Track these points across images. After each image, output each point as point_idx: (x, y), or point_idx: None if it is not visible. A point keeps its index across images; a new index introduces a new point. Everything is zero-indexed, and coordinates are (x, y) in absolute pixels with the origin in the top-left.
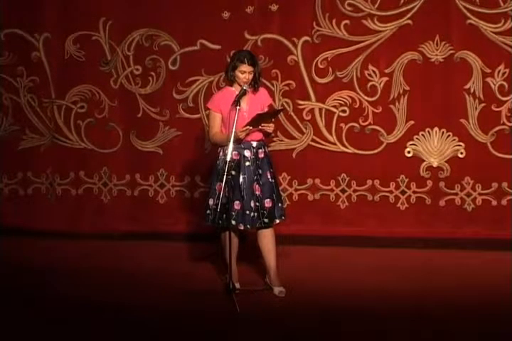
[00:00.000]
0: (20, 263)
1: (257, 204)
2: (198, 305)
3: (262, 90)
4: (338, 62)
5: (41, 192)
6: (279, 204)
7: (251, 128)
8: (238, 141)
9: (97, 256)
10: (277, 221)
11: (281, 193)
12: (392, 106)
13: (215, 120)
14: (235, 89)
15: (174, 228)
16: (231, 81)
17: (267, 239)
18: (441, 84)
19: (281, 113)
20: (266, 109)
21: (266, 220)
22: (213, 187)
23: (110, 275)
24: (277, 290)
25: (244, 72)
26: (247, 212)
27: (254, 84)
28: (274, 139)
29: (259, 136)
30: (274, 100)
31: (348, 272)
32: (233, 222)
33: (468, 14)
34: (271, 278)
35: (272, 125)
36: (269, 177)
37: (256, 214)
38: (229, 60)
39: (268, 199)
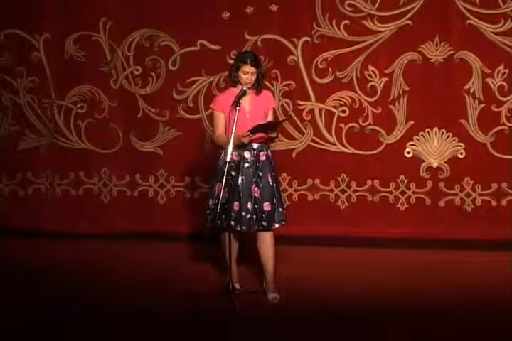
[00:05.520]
0: (19, 263)
1: (256, 206)
2: (198, 305)
3: (267, 93)
4: (338, 62)
5: (41, 193)
6: (280, 209)
7: (254, 134)
8: (243, 145)
9: (97, 257)
10: (277, 225)
11: (284, 198)
12: (392, 106)
13: (218, 121)
14: (238, 90)
15: (174, 228)
16: (234, 82)
17: (265, 244)
18: (441, 85)
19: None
20: (270, 112)
21: (264, 224)
22: (213, 188)
23: (110, 276)
24: (271, 296)
25: (247, 73)
26: (243, 214)
27: (258, 86)
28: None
29: (261, 138)
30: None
31: (347, 272)
32: (232, 223)
33: (468, 14)
34: (267, 284)
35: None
36: (269, 180)
37: (254, 216)
38: (231, 60)
39: (267, 203)
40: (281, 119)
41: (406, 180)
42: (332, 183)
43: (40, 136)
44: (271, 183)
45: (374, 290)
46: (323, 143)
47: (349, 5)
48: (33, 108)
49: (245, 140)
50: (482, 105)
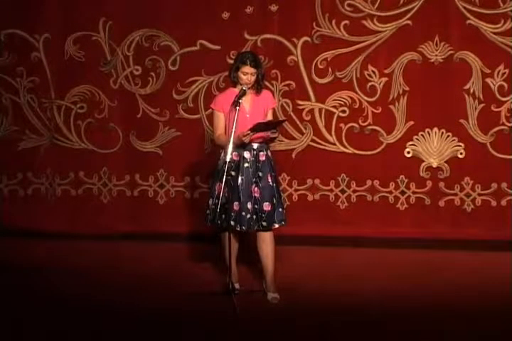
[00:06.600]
0: (20, 263)
1: (256, 206)
2: (198, 305)
3: (267, 93)
4: (337, 62)
5: (41, 193)
6: (280, 209)
7: (254, 133)
8: (242, 145)
9: (97, 257)
10: (276, 225)
11: (284, 198)
12: (391, 106)
13: (218, 121)
14: (238, 90)
15: (174, 228)
16: (234, 82)
17: (265, 243)
18: (441, 85)
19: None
20: (270, 111)
21: (264, 224)
22: (213, 187)
23: (109, 276)
24: (271, 296)
25: (247, 74)
26: (243, 214)
27: (257, 86)
28: None
29: (261, 138)
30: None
31: (347, 272)
32: (232, 223)
33: (468, 14)
34: (266, 284)
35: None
36: (269, 180)
37: (254, 216)
38: (231, 60)
39: (267, 203)
40: (281, 119)
41: (406, 180)
42: (332, 183)
43: (40, 136)
44: (271, 183)
45: (374, 290)
46: (323, 143)
47: (349, 5)
48: (33, 108)
49: (246, 139)
50: (482, 105)
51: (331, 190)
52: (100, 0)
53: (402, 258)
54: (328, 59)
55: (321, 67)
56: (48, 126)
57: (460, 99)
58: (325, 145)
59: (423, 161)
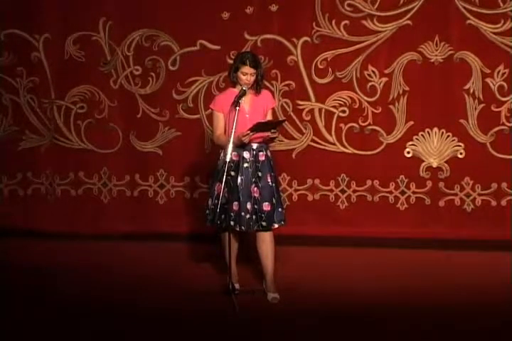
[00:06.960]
0: (20, 263)
1: (255, 206)
2: (198, 305)
3: (266, 92)
4: (337, 62)
5: (41, 193)
6: (280, 209)
7: (254, 133)
8: (242, 145)
9: (97, 257)
10: (276, 225)
11: (284, 198)
12: (391, 106)
13: (218, 121)
14: (238, 91)
15: (174, 228)
16: (233, 82)
17: (265, 243)
18: (441, 85)
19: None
20: (269, 111)
21: (264, 224)
22: (213, 188)
23: (110, 276)
24: (271, 296)
25: (246, 74)
26: (243, 214)
27: (257, 86)
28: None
29: (260, 138)
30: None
31: (347, 272)
32: (232, 223)
33: (468, 14)
34: (266, 284)
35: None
36: (269, 180)
37: (254, 216)
38: (231, 60)
39: (267, 203)
40: (281, 119)
41: (406, 180)
42: (332, 183)
43: (40, 136)
44: (270, 183)
45: (374, 290)
46: (323, 143)
47: (349, 5)
48: (33, 108)
49: (245, 139)
50: (482, 105)
51: (331, 190)
52: (100, 0)
53: (402, 259)
54: (328, 59)
55: (321, 67)
56: (48, 126)
57: (460, 99)
58: (325, 145)
59: (423, 161)
